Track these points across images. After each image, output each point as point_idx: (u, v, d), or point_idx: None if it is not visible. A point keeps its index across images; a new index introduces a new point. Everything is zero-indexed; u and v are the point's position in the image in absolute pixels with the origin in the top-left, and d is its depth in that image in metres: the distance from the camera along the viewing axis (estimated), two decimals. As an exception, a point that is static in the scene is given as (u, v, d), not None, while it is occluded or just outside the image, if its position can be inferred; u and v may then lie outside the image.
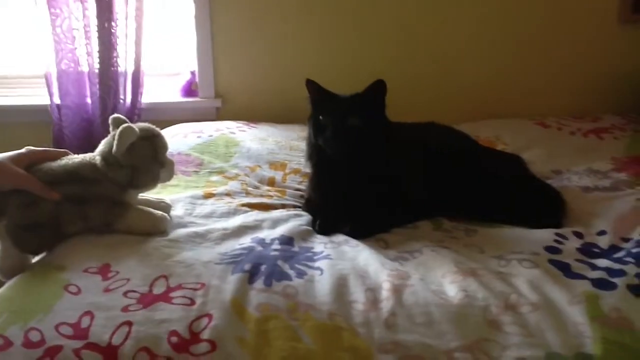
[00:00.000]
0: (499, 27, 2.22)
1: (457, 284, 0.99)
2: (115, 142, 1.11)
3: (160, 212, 1.19)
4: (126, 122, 1.15)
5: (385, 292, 0.96)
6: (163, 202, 1.26)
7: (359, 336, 0.87)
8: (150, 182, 1.18)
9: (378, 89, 1.24)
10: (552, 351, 0.83)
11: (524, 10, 2.21)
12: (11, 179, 1.08)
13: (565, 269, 1.04)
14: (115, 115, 1.20)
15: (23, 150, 1.13)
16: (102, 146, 1.17)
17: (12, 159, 1.10)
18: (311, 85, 1.29)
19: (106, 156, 1.14)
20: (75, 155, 1.18)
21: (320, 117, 1.26)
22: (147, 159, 1.15)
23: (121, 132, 1.11)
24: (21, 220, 1.10)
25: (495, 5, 2.19)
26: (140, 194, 1.22)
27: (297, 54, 2.24)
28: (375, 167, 1.26)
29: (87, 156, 1.17)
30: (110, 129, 1.18)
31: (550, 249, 1.12)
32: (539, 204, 1.34)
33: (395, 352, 0.84)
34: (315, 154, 1.31)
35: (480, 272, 1.02)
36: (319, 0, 2.20)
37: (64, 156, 1.17)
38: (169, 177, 1.22)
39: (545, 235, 1.19)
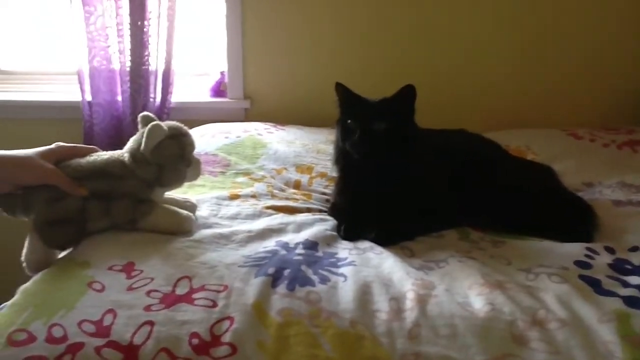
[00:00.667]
0: (533, 34, 2.19)
1: (483, 296, 0.96)
2: (143, 140, 1.12)
3: (185, 212, 1.19)
4: (155, 120, 1.15)
5: (410, 302, 0.95)
6: (189, 201, 1.26)
7: (381, 346, 0.86)
8: (177, 180, 1.18)
9: (407, 94, 1.22)
10: (580, 370, 0.81)
11: (558, 19, 2.17)
12: (39, 174, 1.09)
13: (596, 285, 1.01)
14: (145, 113, 1.21)
15: (52, 145, 1.14)
16: (130, 143, 1.18)
17: (41, 154, 1.11)
18: (340, 88, 1.28)
19: (134, 153, 1.15)
20: (104, 152, 1.19)
21: (348, 121, 1.24)
22: (174, 157, 1.16)
23: (150, 130, 1.12)
24: (48, 215, 1.11)
25: (528, 11, 2.16)
26: (167, 193, 1.23)
27: (327, 57, 2.23)
28: (402, 173, 1.24)
29: (116, 153, 1.18)
30: (139, 126, 1.19)
31: (580, 264, 1.09)
32: (569, 217, 1.31)
33: (418, 364, 0.83)
34: (342, 158, 1.30)
35: (507, 286, 1.00)
36: (350, 3, 2.19)
37: (92, 153, 1.18)
38: (196, 176, 1.22)
39: (575, 249, 1.15)
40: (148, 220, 1.15)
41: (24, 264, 1.13)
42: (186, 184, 1.25)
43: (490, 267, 1.09)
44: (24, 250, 1.14)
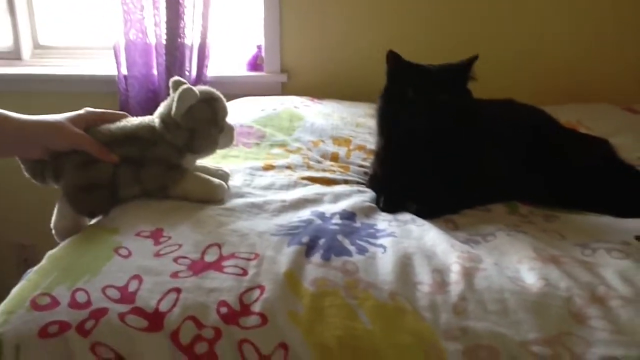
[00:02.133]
0: (586, 5, 2.06)
1: (536, 270, 0.88)
2: (174, 104, 1.08)
3: (217, 180, 1.14)
4: (186, 84, 1.10)
5: (455, 275, 0.87)
6: (221, 170, 1.21)
7: (424, 320, 0.79)
8: (209, 146, 1.14)
9: (471, 63, 1.15)
10: (647, 351, 0.73)
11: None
12: (70, 139, 1.06)
13: (662, 262, 0.92)
14: (176, 77, 1.16)
15: (81, 111, 1.11)
16: (161, 108, 1.13)
17: (71, 119, 1.08)
18: (393, 57, 1.18)
19: (165, 118, 1.10)
20: (134, 118, 1.15)
21: (409, 91, 1.15)
22: (205, 122, 1.11)
23: (181, 94, 1.07)
24: (78, 180, 1.07)
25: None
26: (199, 161, 1.18)
27: (366, 30, 2.15)
28: (455, 144, 1.17)
29: (146, 118, 1.14)
30: (170, 91, 1.14)
31: (643, 239, 1.00)
32: (629, 192, 1.21)
33: (464, 339, 0.76)
34: (389, 131, 1.22)
35: (562, 260, 0.92)
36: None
37: (122, 119, 1.14)
38: (229, 142, 1.17)
39: (636, 224, 1.06)
40: (179, 187, 1.10)
41: (53, 231, 1.10)
42: (219, 152, 1.20)
43: (542, 241, 1.01)
44: (53, 218, 1.11)
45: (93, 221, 1.11)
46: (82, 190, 1.07)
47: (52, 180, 1.10)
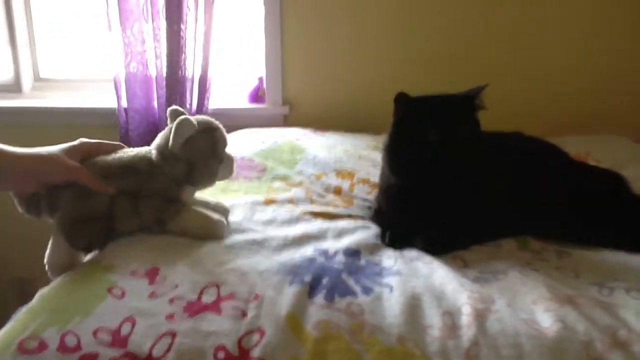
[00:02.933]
0: (593, 37, 2.04)
1: (552, 312, 0.83)
2: (171, 135, 1.04)
3: (217, 216, 1.10)
4: (184, 115, 1.07)
5: (466, 318, 0.83)
6: (221, 205, 1.17)
7: (434, 367, 0.74)
8: (208, 178, 1.10)
9: (480, 95, 1.11)
10: (674, 402, 0.68)
11: (619, 21, 2.02)
12: (65, 173, 1.03)
13: (683, 303, 0.87)
14: (174, 107, 1.13)
15: (76, 142, 1.07)
16: (158, 139, 1.10)
17: (66, 151, 1.04)
18: (403, 100, 1.11)
19: (162, 150, 1.07)
20: (130, 149, 1.12)
21: (431, 132, 1.08)
22: (204, 153, 1.07)
23: (178, 125, 1.04)
24: (74, 212, 1.03)
25: (589, 13, 2.02)
26: (198, 194, 1.14)
27: (369, 61, 2.13)
28: (465, 180, 1.12)
29: (143, 150, 1.11)
30: (168, 121, 1.11)
31: (662, 278, 0.95)
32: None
33: (478, 389, 0.71)
34: (404, 170, 1.16)
35: (578, 301, 0.87)
36: (393, 8, 2.08)
37: (117, 150, 1.11)
38: (228, 174, 1.13)
39: (655, 262, 1.01)
40: (177, 222, 1.06)
41: (47, 268, 1.06)
42: (219, 186, 1.16)
43: (556, 279, 0.96)
44: (47, 253, 1.07)
45: (88, 257, 1.07)
46: (78, 223, 1.03)
47: (47, 214, 1.06)
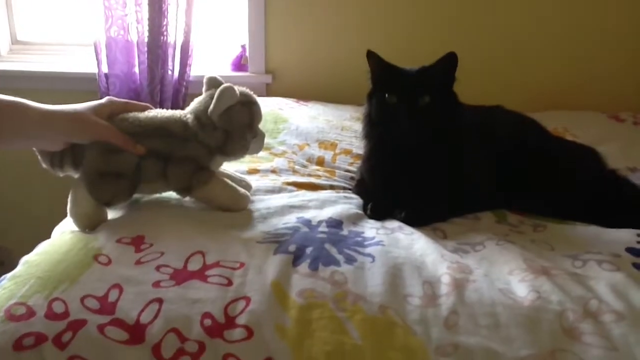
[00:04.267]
0: (571, 14, 2.06)
1: (527, 282, 0.87)
2: (213, 102, 1.03)
3: (243, 190, 1.11)
4: (227, 83, 1.06)
5: (445, 287, 0.85)
6: (244, 180, 1.17)
7: (414, 335, 0.77)
8: (240, 150, 1.10)
9: (449, 62, 1.12)
10: (642, 369, 0.71)
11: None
12: (93, 132, 1.01)
13: (653, 275, 0.91)
14: (211, 75, 1.13)
15: (103, 100, 1.05)
16: (195, 104, 1.09)
17: (93, 109, 1.02)
18: (373, 57, 1.16)
19: (200, 115, 1.06)
20: (163, 110, 1.11)
21: (387, 95, 1.13)
22: (242, 125, 1.07)
23: (222, 92, 1.03)
24: (101, 166, 1.02)
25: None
26: (225, 167, 1.15)
27: (353, 30, 2.13)
28: (441, 150, 1.14)
29: (178, 112, 1.09)
30: (204, 88, 1.11)
31: (633, 251, 0.98)
32: (618, 201, 1.20)
33: (455, 355, 0.74)
34: (375, 134, 1.19)
35: (553, 272, 0.90)
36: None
37: (145, 110, 1.10)
38: (258, 149, 1.14)
39: (626, 235, 1.04)
40: (204, 190, 1.06)
41: (72, 219, 1.04)
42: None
43: (532, 251, 0.99)
44: (69, 205, 1.04)
45: (110, 215, 1.06)
46: (104, 177, 1.02)
47: (70, 169, 1.05)
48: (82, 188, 1.03)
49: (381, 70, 1.17)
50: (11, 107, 0.93)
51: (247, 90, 1.11)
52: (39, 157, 1.06)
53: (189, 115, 1.08)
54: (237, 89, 1.07)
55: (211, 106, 1.04)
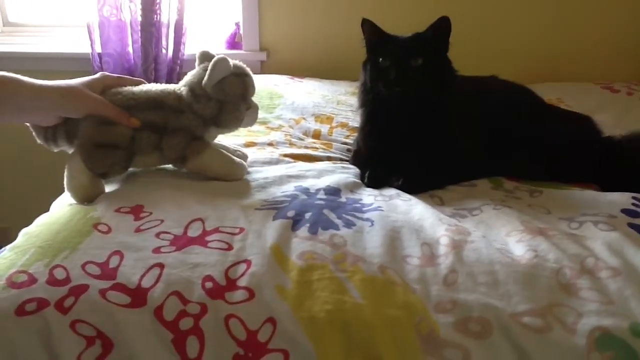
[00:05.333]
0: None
1: (524, 242, 0.88)
2: (207, 73, 1.05)
3: (238, 159, 1.12)
4: (220, 55, 1.07)
5: (444, 248, 0.86)
6: (239, 151, 1.19)
7: (414, 293, 0.78)
8: (234, 122, 1.11)
9: (442, 27, 1.13)
10: (637, 321, 0.72)
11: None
12: (87, 106, 1.01)
13: (648, 234, 0.92)
14: (204, 49, 1.13)
15: (97, 75, 1.06)
16: (189, 77, 1.10)
17: (87, 84, 1.03)
18: (368, 25, 1.18)
19: (194, 87, 1.07)
20: (156, 84, 1.11)
21: (380, 60, 1.15)
22: (236, 95, 1.08)
23: (216, 63, 1.04)
24: (96, 137, 1.02)
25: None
26: (219, 138, 1.16)
27: (346, 6, 2.11)
28: (435, 116, 1.15)
29: (170, 86, 1.11)
30: (197, 62, 1.12)
31: (628, 212, 0.99)
32: (613, 166, 1.21)
33: (455, 311, 0.75)
34: (370, 100, 1.20)
35: (550, 233, 0.91)
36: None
37: (139, 85, 1.10)
38: (252, 121, 1.15)
39: (621, 198, 1.05)
40: (199, 160, 1.07)
41: (69, 193, 1.04)
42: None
43: (529, 215, 1.00)
44: (65, 180, 1.04)
45: (107, 189, 1.06)
46: (99, 148, 1.03)
47: (64, 143, 1.06)
48: (78, 160, 1.03)
49: (376, 38, 1.18)
50: (4, 82, 0.93)
51: (240, 63, 1.12)
52: (33, 132, 1.07)
53: (182, 88, 1.09)
54: (230, 60, 1.08)
55: (205, 77, 1.05)
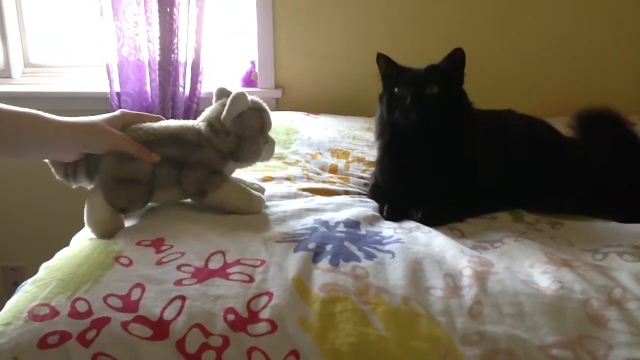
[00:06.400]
0: (573, 17, 2.09)
1: (549, 274, 0.86)
2: (226, 107, 1.07)
3: (257, 192, 1.13)
4: (232, 93, 1.10)
5: (467, 279, 0.85)
6: (256, 184, 1.19)
7: (439, 325, 0.76)
8: (252, 156, 1.12)
9: (457, 58, 1.15)
10: (669, 353, 0.71)
11: (604, 7, 2.06)
12: (108, 142, 1.02)
13: (674, 264, 0.90)
14: (221, 86, 1.16)
15: (117, 112, 1.08)
16: (207, 112, 1.12)
17: (107, 120, 1.04)
18: (383, 59, 1.21)
19: (212, 122, 1.09)
20: (173, 120, 1.14)
21: (396, 89, 1.16)
22: (255, 130, 1.10)
23: (235, 98, 1.07)
24: (117, 173, 1.03)
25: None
26: (237, 172, 1.17)
27: (361, 44, 2.14)
28: (453, 146, 1.16)
29: (189, 122, 1.12)
30: (214, 99, 1.14)
31: (653, 243, 0.98)
32: (635, 198, 1.20)
33: (482, 344, 0.73)
34: (388, 132, 1.21)
35: (574, 264, 0.90)
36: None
37: (157, 121, 1.12)
38: (269, 155, 1.16)
39: (644, 229, 1.05)
40: (218, 194, 1.07)
41: (89, 228, 1.04)
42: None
43: (551, 246, 0.99)
44: (85, 215, 1.05)
45: (127, 223, 1.06)
46: (120, 183, 1.03)
47: (84, 179, 1.06)
48: (99, 195, 1.04)
49: (391, 71, 1.21)
50: (28, 118, 0.96)
51: (257, 99, 1.14)
52: (53, 169, 1.08)
53: (201, 124, 1.11)
54: (248, 96, 1.10)
55: (224, 112, 1.07)
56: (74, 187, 1.09)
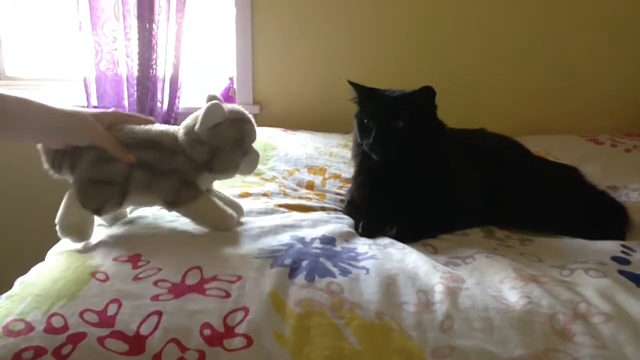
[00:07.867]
0: (547, 42, 2.14)
1: (518, 289, 0.89)
2: (200, 118, 1.05)
3: (230, 210, 1.11)
4: (217, 101, 1.08)
5: (439, 295, 0.87)
6: (235, 201, 1.18)
7: (411, 339, 0.78)
8: (229, 168, 1.10)
9: (426, 95, 1.16)
10: (632, 366, 0.73)
11: (573, 25, 2.12)
12: (90, 136, 1.03)
13: (638, 280, 0.94)
14: (212, 92, 1.14)
15: (110, 109, 1.09)
16: (188, 120, 1.10)
17: (96, 116, 1.06)
18: (354, 85, 1.23)
19: (189, 130, 1.07)
20: (161, 124, 1.13)
21: (365, 121, 1.18)
22: (230, 141, 1.07)
23: (208, 109, 1.05)
24: (92, 173, 1.04)
25: (544, 18, 2.12)
26: (215, 183, 1.16)
27: (338, 61, 2.19)
28: (425, 174, 1.18)
29: (172, 127, 1.12)
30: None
31: (618, 260, 1.02)
32: (602, 216, 1.24)
33: (452, 357, 0.75)
34: (362, 153, 1.23)
35: (542, 280, 0.93)
36: (360, 8, 2.15)
37: (148, 123, 1.12)
38: (251, 169, 1.13)
39: (611, 246, 1.08)
40: (189, 207, 1.07)
41: (58, 228, 1.04)
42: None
43: (521, 262, 1.02)
44: (58, 213, 1.05)
45: (96, 223, 1.08)
46: (94, 184, 1.04)
47: (67, 171, 1.07)
48: (73, 195, 1.05)
49: (363, 94, 1.23)
50: (19, 102, 0.97)
51: (240, 108, 1.12)
52: (43, 156, 1.09)
53: (180, 130, 1.10)
54: (226, 106, 1.09)
55: (198, 122, 1.05)
56: (56, 177, 1.10)
